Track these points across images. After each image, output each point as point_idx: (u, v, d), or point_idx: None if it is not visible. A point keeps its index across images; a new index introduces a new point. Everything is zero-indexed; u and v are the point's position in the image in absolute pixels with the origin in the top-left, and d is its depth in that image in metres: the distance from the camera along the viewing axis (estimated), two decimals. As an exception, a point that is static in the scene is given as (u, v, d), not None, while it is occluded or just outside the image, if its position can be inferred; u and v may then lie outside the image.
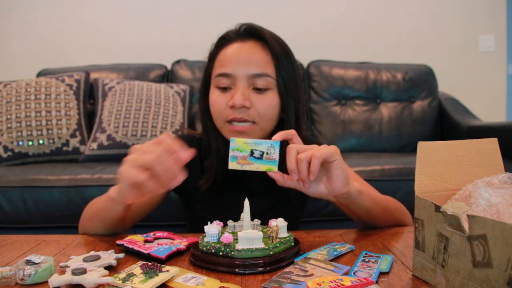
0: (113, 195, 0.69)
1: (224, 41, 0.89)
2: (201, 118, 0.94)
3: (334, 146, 0.68)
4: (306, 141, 0.90)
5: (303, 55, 2.39)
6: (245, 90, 0.83)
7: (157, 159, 0.60)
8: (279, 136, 0.69)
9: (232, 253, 0.61)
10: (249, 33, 0.87)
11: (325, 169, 0.69)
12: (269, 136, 0.85)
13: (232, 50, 0.86)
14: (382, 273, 0.59)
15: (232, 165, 0.68)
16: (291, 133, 0.72)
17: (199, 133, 0.97)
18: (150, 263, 0.57)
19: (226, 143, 0.86)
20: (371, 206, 0.78)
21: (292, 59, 0.89)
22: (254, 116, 0.83)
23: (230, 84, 0.85)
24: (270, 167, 0.68)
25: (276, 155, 0.68)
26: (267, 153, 0.68)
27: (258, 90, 0.84)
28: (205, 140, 0.92)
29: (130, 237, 0.71)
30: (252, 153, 0.68)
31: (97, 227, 0.80)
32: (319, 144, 0.95)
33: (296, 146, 0.67)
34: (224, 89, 0.85)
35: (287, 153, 0.67)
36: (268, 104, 0.84)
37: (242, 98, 0.81)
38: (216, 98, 0.86)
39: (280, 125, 0.90)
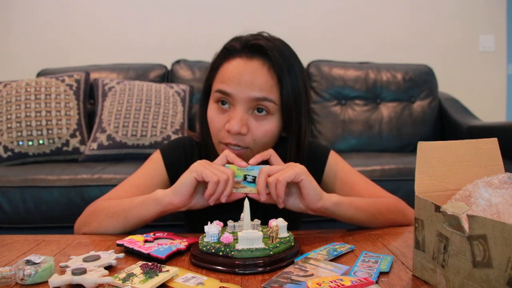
0: (159, 196, 0.75)
1: (228, 53, 0.83)
2: (200, 127, 0.92)
3: (301, 166, 0.74)
4: (307, 146, 0.91)
5: (303, 55, 2.36)
6: (243, 114, 0.79)
7: (227, 181, 0.71)
8: (255, 160, 0.76)
9: (232, 253, 0.61)
10: (257, 50, 0.81)
11: (297, 187, 0.74)
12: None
13: (235, 67, 0.80)
14: (382, 273, 0.59)
15: None
16: (267, 154, 0.77)
17: (198, 135, 0.96)
18: (150, 263, 0.57)
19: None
20: (354, 214, 0.79)
21: (297, 72, 0.83)
22: (249, 143, 0.81)
23: (230, 102, 0.81)
24: None
25: None
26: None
27: (259, 113, 0.81)
28: (204, 147, 0.92)
29: (130, 237, 0.71)
30: (245, 178, 0.76)
31: (116, 225, 0.81)
32: (317, 147, 0.95)
33: (268, 169, 0.74)
34: (223, 105, 0.82)
35: (258, 176, 0.74)
36: (265, 131, 0.81)
37: (239, 125, 0.78)
38: (213, 116, 0.83)
39: (280, 143, 0.88)
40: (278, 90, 0.80)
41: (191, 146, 0.95)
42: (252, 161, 0.76)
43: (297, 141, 0.87)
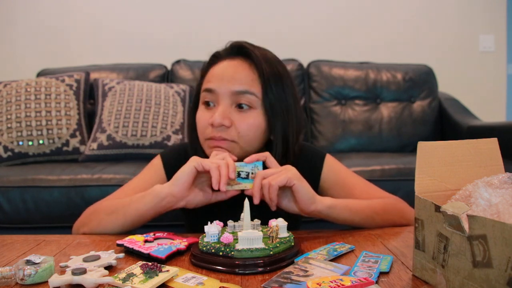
0: (158, 188, 0.77)
1: (215, 58, 0.88)
2: (188, 135, 0.94)
3: (294, 170, 0.75)
4: (303, 151, 0.91)
5: (303, 55, 2.39)
6: (226, 108, 0.82)
7: (226, 164, 0.73)
8: (251, 159, 0.77)
9: (232, 253, 0.61)
10: (238, 51, 0.87)
11: (291, 190, 0.75)
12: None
13: (220, 67, 0.86)
14: (382, 273, 0.59)
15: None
16: (263, 156, 0.78)
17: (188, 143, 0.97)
18: (150, 263, 0.57)
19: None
20: (349, 216, 0.80)
21: (285, 81, 0.86)
22: (233, 136, 0.82)
23: (214, 100, 0.84)
24: None
25: None
26: (252, 173, 0.77)
27: (241, 108, 0.83)
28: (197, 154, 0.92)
29: (130, 237, 0.71)
30: (239, 174, 0.77)
31: (115, 223, 0.81)
32: (313, 152, 0.95)
33: (263, 173, 0.75)
34: (208, 105, 0.85)
35: (255, 179, 0.75)
36: (249, 124, 0.82)
37: (221, 117, 0.80)
38: (200, 116, 0.86)
39: (269, 146, 0.88)
40: (260, 84, 0.83)
41: (185, 155, 0.95)
42: (247, 159, 0.77)
43: (283, 145, 0.86)
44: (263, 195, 0.74)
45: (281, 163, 0.86)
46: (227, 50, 0.88)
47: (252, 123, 0.83)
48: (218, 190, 0.75)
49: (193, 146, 0.92)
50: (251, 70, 0.84)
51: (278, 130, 0.85)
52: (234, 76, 0.83)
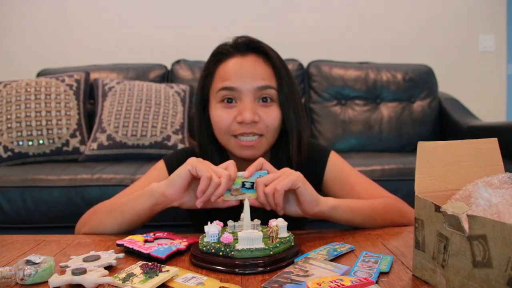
0: (154, 187, 0.75)
1: (222, 55, 0.88)
2: (198, 135, 0.93)
3: (297, 173, 0.73)
4: (307, 147, 0.91)
5: (303, 55, 2.39)
6: (252, 104, 0.84)
7: (218, 184, 0.70)
8: (249, 172, 0.75)
9: (232, 253, 0.61)
10: (248, 46, 0.87)
11: (294, 193, 0.74)
12: (273, 147, 0.90)
13: (234, 64, 0.86)
14: (382, 273, 0.59)
15: (227, 196, 0.75)
16: (259, 163, 0.77)
17: (197, 145, 0.96)
18: (150, 263, 0.57)
19: (221, 159, 0.86)
20: (351, 216, 0.80)
21: (289, 71, 0.89)
22: (262, 129, 0.85)
23: (235, 98, 0.85)
24: None
25: None
26: None
27: (264, 102, 0.85)
28: (204, 156, 0.91)
29: (130, 237, 0.71)
30: (243, 185, 0.76)
31: (114, 222, 0.81)
32: (318, 148, 0.95)
33: (264, 180, 0.73)
34: (229, 103, 0.85)
35: (256, 188, 0.74)
36: (274, 116, 0.86)
37: (252, 113, 0.83)
38: (221, 114, 0.85)
39: (283, 136, 0.90)
40: (275, 78, 0.86)
41: (194, 156, 0.95)
42: (246, 173, 0.75)
43: (298, 134, 0.89)
44: (268, 203, 0.73)
45: (298, 151, 0.89)
46: (234, 46, 0.88)
47: (276, 115, 0.86)
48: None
49: (204, 146, 0.91)
50: (267, 66, 0.86)
51: (292, 119, 0.88)
52: (255, 73, 0.85)
